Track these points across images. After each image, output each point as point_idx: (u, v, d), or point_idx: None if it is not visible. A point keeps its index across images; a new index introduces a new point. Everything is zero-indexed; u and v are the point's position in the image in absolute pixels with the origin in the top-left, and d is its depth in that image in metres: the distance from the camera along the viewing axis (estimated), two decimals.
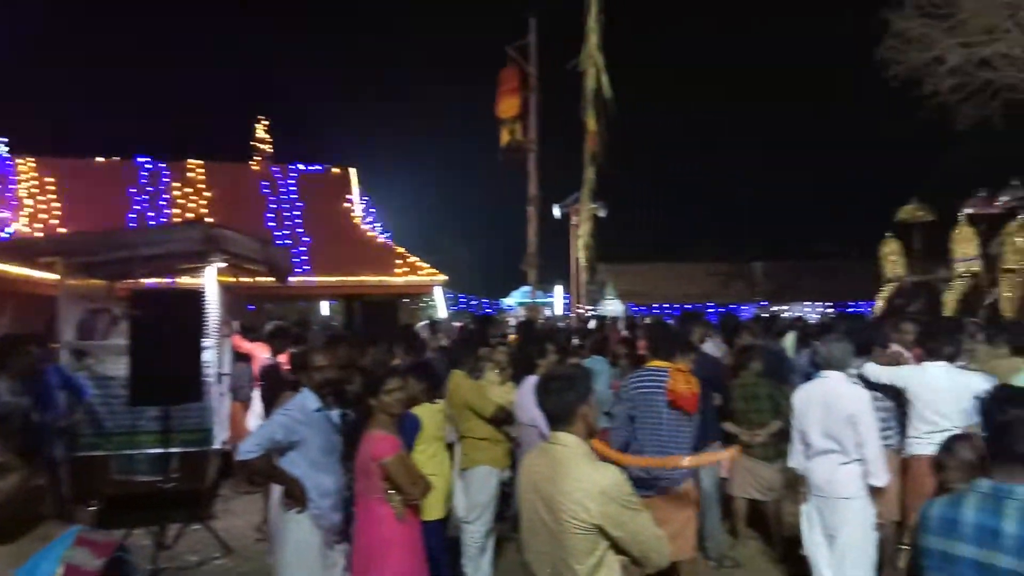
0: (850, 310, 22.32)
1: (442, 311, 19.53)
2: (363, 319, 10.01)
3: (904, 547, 2.98)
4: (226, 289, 9.07)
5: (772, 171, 29.20)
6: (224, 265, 7.72)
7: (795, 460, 4.70)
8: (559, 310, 26.86)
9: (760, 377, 6.16)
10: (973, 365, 5.62)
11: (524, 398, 4.92)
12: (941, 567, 2.28)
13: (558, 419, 2.76)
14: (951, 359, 5.11)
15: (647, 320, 12.52)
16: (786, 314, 19.63)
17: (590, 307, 20.51)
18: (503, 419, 5.14)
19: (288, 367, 5.43)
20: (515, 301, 27.62)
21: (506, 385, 5.33)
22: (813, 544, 4.50)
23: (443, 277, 17.91)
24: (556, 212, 18.59)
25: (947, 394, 4.80)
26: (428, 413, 4.67)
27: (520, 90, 13.83)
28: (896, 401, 5.25)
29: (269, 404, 5.40)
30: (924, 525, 2.36)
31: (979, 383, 4.71)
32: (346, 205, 20.05)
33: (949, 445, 2.83)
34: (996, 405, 2.32)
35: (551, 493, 2.60)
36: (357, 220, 19.62)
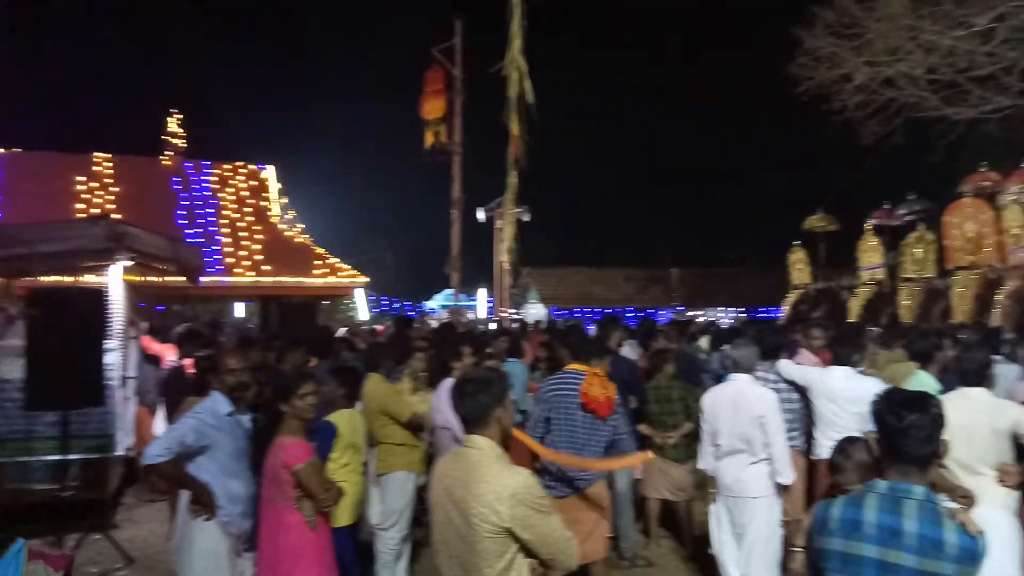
0: (761, 315, 23.20)
1: (363, 314, 19.26)
2: (280, 321, 9.76)
3: (796, 549, 3.06)
4: (133, 289, 8.70)
5: (689, 180, 30.05)
6: (130, 264, 7.39)
7: (705, 461, 4.84)
8: (482, 313, 26.88)
9: (673, 380, 6.32)
10: (871, 370, 5.91)
11: (440, 401, 4.90)
12: (844, 568, 2.30)
13: (472, 422, 2.75)
14: (855, 364, 5.36)
15: (570, 323, 12.67)
16: (701, 319, 20.25)
17: (513, 310, 20.63)
18: (418, 425, 5.11)
19: (193, 371, 5.24)
20: (438, 304, 27.50)
21: (418, 394, 5.27)
22: (721, 543, 4.65)
23: (364, 279, 17.65)
24: (480, 215, 18.60)
25: (847, 397, 5.04)
26: (346, 419, 4.58)
27: (445, 92, 13.78)
28: (803, 402, 5.49)
29: (172, 409, 5.21)
30: (824, 527, 2.38)
31: (877, 388, 4.96)
32: (263, 204, 19.52)
33: (844, 447, 2.93)
34: (890, 408, 2.40)
35: (463, 497, 2.59)
36: (275, 219, 19.13)
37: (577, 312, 24.02)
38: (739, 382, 4.68)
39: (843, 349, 5.26)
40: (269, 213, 19.29)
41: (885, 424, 2.38)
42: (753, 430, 4.48)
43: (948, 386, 4.61)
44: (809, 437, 5.38)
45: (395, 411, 5.00)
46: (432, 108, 13.67)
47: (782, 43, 18.66)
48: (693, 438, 5.73)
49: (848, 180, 21.45)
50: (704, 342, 9.76)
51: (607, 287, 28.27)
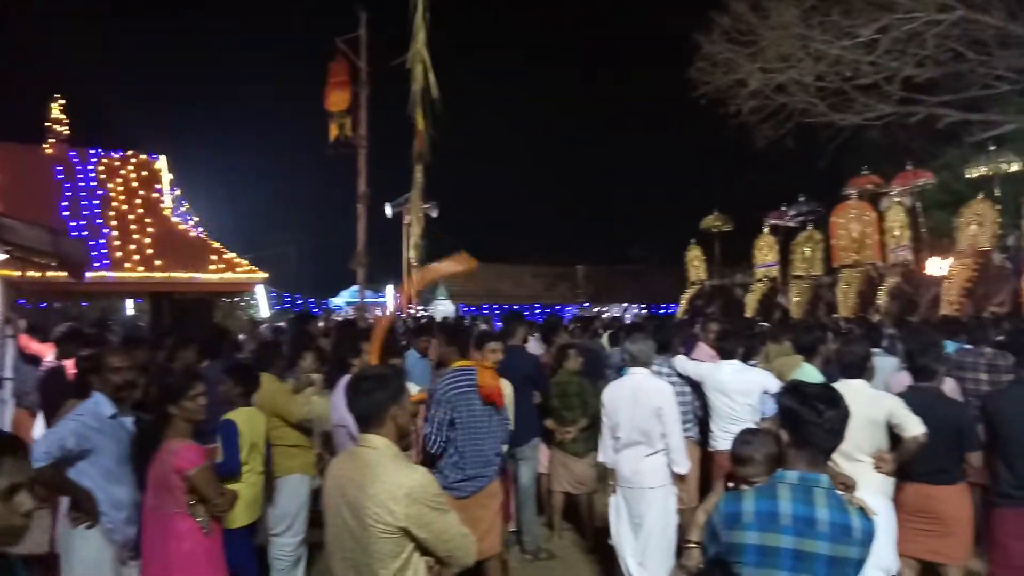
0: (662, 311, 23.92)
1: (264, 311, 18.66)
2: (172, 319, 9.31)
3: (691, 545, 3.10)
4: (11, 285, 8.09)
5: (595, 178, 30.63)
6: (6, 257, 6.87)
7: (604, 454, 4.92)
8: (390, 310, 26.54)
9: (574, 375, 6.41)
10: (762, 363, 6.17)
11: (336, 399, 4.79)
12: (761, 562, 2.30)
13: (367, 420, 2.69)
14: (746, 357, 5.59)
15: (450, 321, 12.72)
16: (606, 314, 20.68)
17: (421, 307, 20.46)
18: (308, 427, 4.99)
19: (74, 372, 4.93)
20: (344, 301, 26.97)
21: (304, 394, 5.11)
22: (619, 534, 4.75)
23: (263, 275, 17.08)
24: (388, 211, 18.35)
25: (738, 390, 5.24)
26: (244, 417, 4.41)
27: (350, 84, 13.49)
28: (695, 394, 5.69)
29: (50, 412, 4.89)
30: (737, 521, 2.35)
31: (765, 379, 5.19)
32: (154, 195, 18.59)
33: (749, 440, 2.99)
34: (805, 402, 2.43)
35: (356, 497, 2.54)
36: (167, 212, 18.25)
37: (485, 309, 24.09)
38: (638, 376, 4.79)
39: (728, 344, 5.47)
40: (161, 205, 18.39)
41: (798, 417, 2.41)
42: (651, 422, 4.59)
43: (831, 378, 4.85)
44: (704, 429, 5.57)
45: (284, 412, 4.86)
46: (336, 100, 13.34)
47: (683, 47, 19.32)
48: (594, 432, 5.83)
49: (743, 181, 22.38)
50: (607, 337, 9.96)
51: (515, 284, 28.47)
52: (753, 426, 3.29)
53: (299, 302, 23.75)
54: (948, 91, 17.39)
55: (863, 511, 2.36)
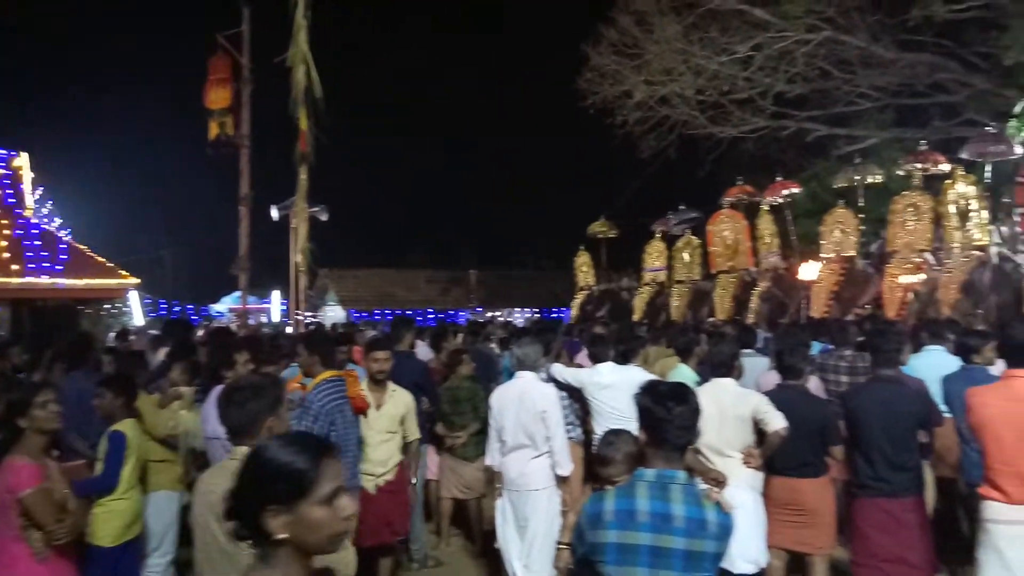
0: (553, 315, 24.31)
1: (138, 318, 17.63)
2: (33, 327, 8.64)
3: (562, 546, 3.17)
4: None
5: (488, 183, 30.84)
6: None
7: (491, 457, 4.93)
8: (276, 317, 25.70)
9: (466, 380, 6.40)
10: (641, 365, 6.35)
11: (208, 411, 4.57)
12: (620, 559, 2.34)
13: (241, 432, 2.59)
14: (625, 359, 5.74)
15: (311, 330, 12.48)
16: (499, 319, 20.82)
17: (310, 313, 19.89)
18: (173, 442, 4.75)
19: None
20: (225, 307, 25.84)
21: (170, 408, 4.86)
22: (505, 537, 4.77)
23: (135, 280, 16.12)
24: (274, 213, 17.74)
25: (618, 392, 5.37)
26: (130, 428, 4.20)
27: (232, 81, 12.98)
28: (575, 397, 5.80)
29: None
30: (599, 521, 2.39)
31: (643, 377, 5.34)
32: (13, 195, 17.19)
33: (611, 440, 3.07)
34: (656, 400, 2.53)
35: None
36: (28, 213, 16.93)
37: (377, 314, 23.72)
38: (524, 379, 4.83)
39: (598, 349, 5.62)
40: (20, 206, 17.03)
41: (651, 415, 2.50)
42: (536, 425, 4.64)
43: (706, 377, 5.06)
44: (587, 429, 5.68)
45: (149, 426, 4.60)
46: (217, 97, 12.80)
47: (573, 57, 19.76)
48: (485, 436, 5.84)
49: (630, 189, 23.08)
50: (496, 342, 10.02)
51: (408, 289, 28.21)
52: (621, 427, 3.38)
53: (176, 309, 22.56)
54: (816, 107, 18.58)
55: (720, 506, 2.45)
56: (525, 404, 4.68)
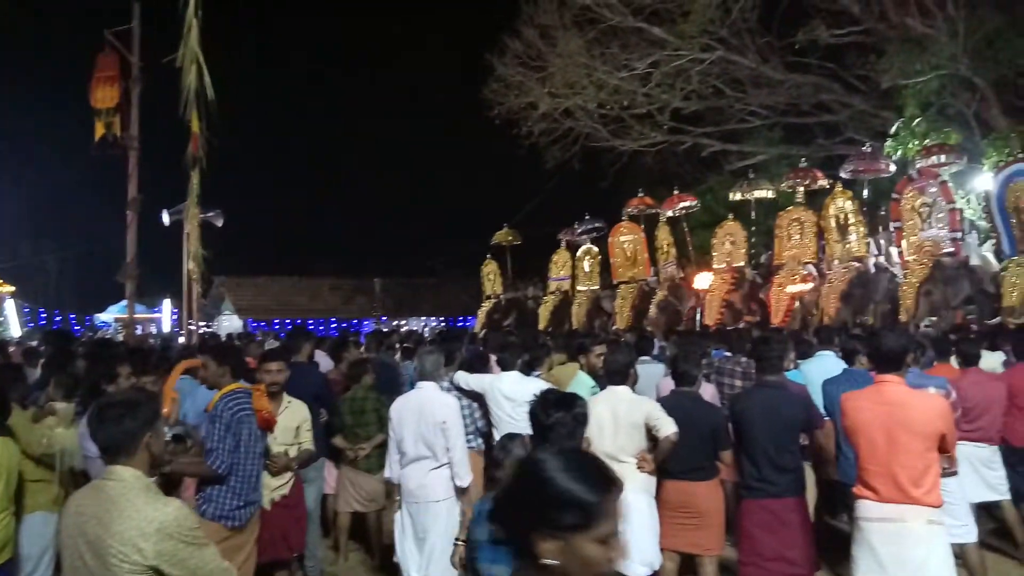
0: (460, 324, 24.29)
1: (15, 328, 16.47)
2: None
3: (458, 543, 3.22)
4: None
5: (394, 189, 30.47)
6: None
7: (391, 469, 4.88)
8: (167, 327, 24.54)
9: (370, 391, 6.29)
10: (544, 373, 6.43)
11: (87, 427, 4.31)
12: (493, 558, 2.43)
13: (115, 451, 2.47)
14: (529, 368, 5.80)
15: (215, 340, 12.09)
16: (405, 328, 20.62)
17: (204, 323, 19.11)
18: (49, 461, 4.46)
19: None
20: (111, 317, 24.44)
21: (45, 424, 4.57)
22: (404, 550, 4.72)
23: (9, 288, 15.06)
24: (165, 218, 16.95)
25: (518, 401, 5.41)
26: (1, 448, 3.87)
27: (120, 80, 12.34)
28: (477, 404, 5.82)
29: None
30: (480, 518, 2.55)
31: (542, 389, 5.41)
32: None
33: (504, 444, 3.16)
34: (542, 407, 2.70)
35: (98, 536, 2.31)
36: None
37: (277, 324, 23.02)
38: (425, 389, 4.81)
39: (506, 356, 5.66)
40: None
41: (537, 421, 2.67)
42: (436, 436, 4.62)
43: (603, 385, 5.16)
44: (489, 439, 5.69)
45: (24, 443, 4.30)
46: (104, 96, 12.11)
47: (480, 66, 19.89)
48: (385, 448, 5.76)
49: (535, 198, 23.38)
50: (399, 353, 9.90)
51: (311, 297, 27.54)
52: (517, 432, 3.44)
53: (58, 318, 21.18)
54: (710, 123, 19.39)
55: None
56: (425, 415, 4.65)
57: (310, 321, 22.39)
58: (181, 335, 17.78)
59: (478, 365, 6.11)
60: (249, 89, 28.00)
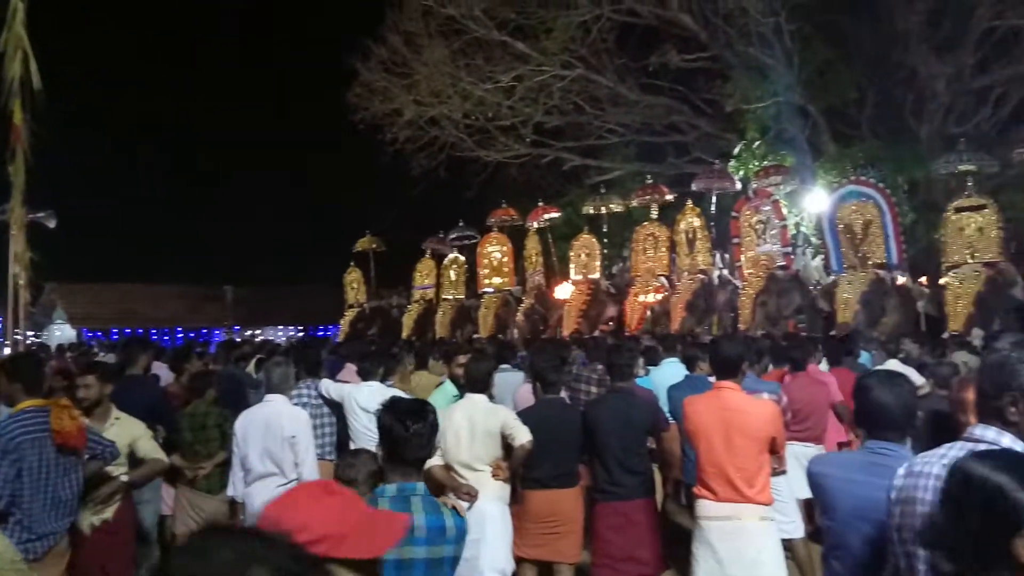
0: (321, 333, 23.58)
1: None
2: None
3: None
4: None
5: (248, 192, 29.06)
6: None
7: (234, 488, 4.64)
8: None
9: (212, 405, 5.92)
10: (400, 384, 6.33)
11: None
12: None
13: None
14: (384, 377, 5.68)
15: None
16: (259, 338, 19.76)
17: (32, 332, 17.41)
18: None
19: None
20: None
21: None
22: None
23: None
24: None
25: (374, 413, 5.30)
26: None
27: None
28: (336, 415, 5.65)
29: None
30: None
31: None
32: None
33: (351, 461, 3.06)
34: (396, 418, 2.58)
35: None
36: None
37: (115, 334, 21.37)
38: (273, 403, 4.61)
39: (368, 365, 5.54)
40: None
41: (391, 432, 2.56)
42: (284, 451, 4.44)
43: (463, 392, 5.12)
44: (343, 450, 5.53)
45: None
46: None
47: (342, 71, 19.47)
48: (228, 466, 5.45)
49: (401, 205, 23.16)
50: (253, 364, 9.44)
51: (154, 305, 25.76)
52: (365, 447, 3.34)
53: None
54: (571, 138, 19.98)
55: (456, 510, 2.56)
56: (272, 429, 4.45)
57: (153, 331, 20.98)
58: (6, 346, 16.10)
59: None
60: (91, 81, 25.87)
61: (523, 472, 4.68)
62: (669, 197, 14.57)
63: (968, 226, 11.16)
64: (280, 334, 23.77)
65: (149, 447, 4.58)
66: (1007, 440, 1.96)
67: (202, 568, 1.06)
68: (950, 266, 11.21)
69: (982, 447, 1.96)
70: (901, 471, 2.16)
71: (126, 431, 4.50)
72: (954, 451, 2.04)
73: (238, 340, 15.97)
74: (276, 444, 4.44)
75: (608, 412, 4.63)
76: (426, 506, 2.45)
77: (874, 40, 16.44)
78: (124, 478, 4.44)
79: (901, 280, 11.82)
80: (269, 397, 4.65)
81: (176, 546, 1.02)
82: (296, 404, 5.35)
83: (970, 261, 11.00)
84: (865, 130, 16.89)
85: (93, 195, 24.43)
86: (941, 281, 11.21)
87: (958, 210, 11.31)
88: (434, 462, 4.45)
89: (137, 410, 4.89)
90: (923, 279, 12.50)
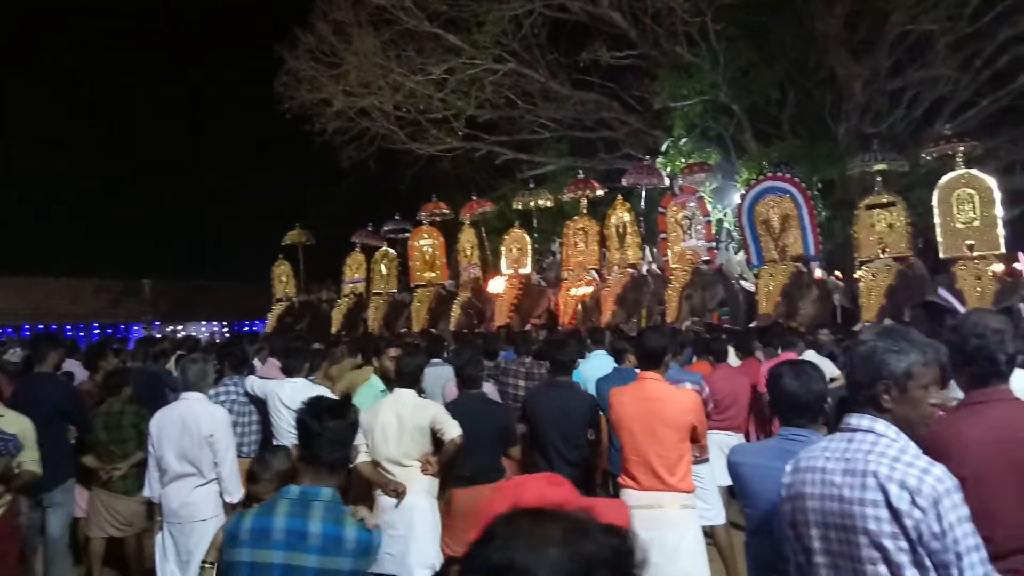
0: (247, 329, 22.98)
1: None
2: None
3: (206, 565, 2.99)
4: None
5: (169, 184, 27.94)
6: None
7: (150, 489, 4.50)
8: None
9: (128, 404, 5.71)
10: (321, 378, 6.23)
11: None
12: None
13: None
14: (309, 373, 5.58)
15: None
16: (182, 334, 19.12)
17: None
18: None
19: None
20: None
21: None
22: (167, 573, 4.36)
23: None
24: None
25: (296, 408, 5.21)
26: None
27: None
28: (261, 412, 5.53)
29: None
30: (235, 540, 2.34)
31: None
32: None
33: (264, 458, 2.99)
34: (313, 415, 2.53)
35: None
36: None
37: (27, 329, 20.31)
38: (190, 401, 4.47)
39: (292, 361, 5.44)
40: None
41: (307, 430, 2.49)
42: (201, 450, 4.33)
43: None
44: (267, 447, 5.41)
45: None
46: None
47: (268, 59, 18.95)
48: (145, 467, 5.27)
49: (331, 198, 22.73)
50: (174, 361, 9.14)
51: (70, 300, 24.60)
52: (283, 443, 3.27)
53: None
54: (504, 132, 19.97)
55: (363, 523, 2.46)
56: (189, 428, 4.32)
57: (68, 327, 20.04)
58: None
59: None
60: (8, 67, 24.51)
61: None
62: (600, 192, 14.77)
63: (879, 222, 11.66)
64: (204, 330, 23.03)
65: (29, 456, 4.26)
66: (881, 427, 2.04)
67: (533, 546, 1.04)
68: (863, 261, 11.69)
69: (859, 437, 2.05)
70: (788, 468, 2.22)
71: (12, 425, 4.24)
72: (835, 442, 2.12)
73: (158, 336, 15.45)
74: (193, 443, 4.32)
75: (548, 404, 4.67)
76: (326, 514, 2.36)
77: (795, 42, 16.99)
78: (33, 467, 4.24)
79: (818, 273, 12.27)
80: (185, 395, 4.52)
81: (490, 529, 1.00)
82: (221, 402, 5.23)
83: (881, 256, 11.49)
84: (786, 129, 17.44)
85: (8, 186, 23.16)
86: (856, 275, 11.67)
87: (869, 207, 11.80)
88: (361, 459, 4.41)
89: (46, 409, 4.72)
90: (838, 273, 13.00)
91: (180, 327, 22.42)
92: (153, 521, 5.12)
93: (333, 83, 18.36)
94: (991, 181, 11.05)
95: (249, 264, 22.87)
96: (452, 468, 4.97)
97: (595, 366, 6.50)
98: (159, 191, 27.66)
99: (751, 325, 10.98)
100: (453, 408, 4.66)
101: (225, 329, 23.72)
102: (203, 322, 24.70)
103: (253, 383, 5.57)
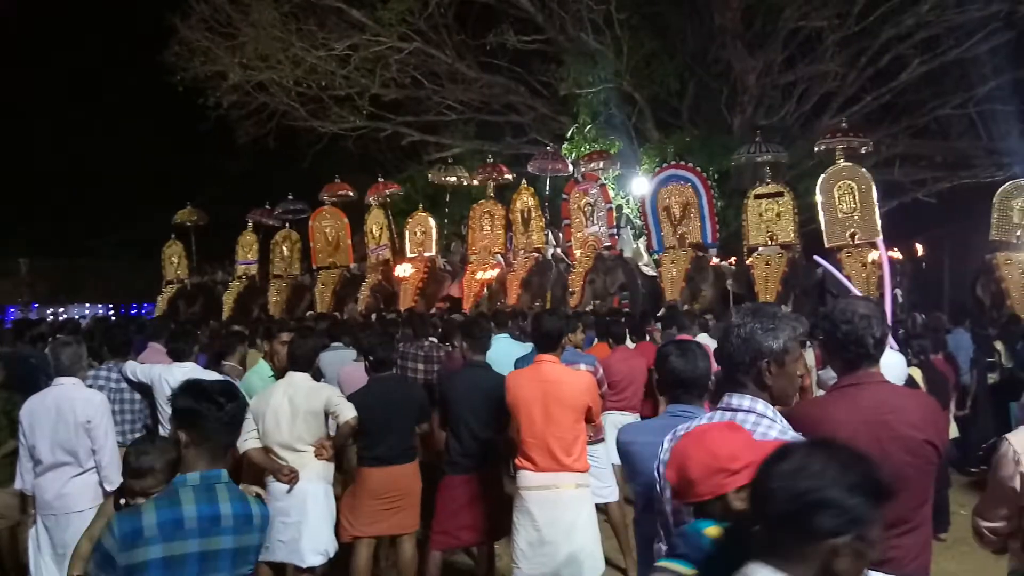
0: (134, 311, 21.84)
1: None
2: None
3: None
4: None
5: (48, 158, 25.90)
6: None
7: (22, 480, 4.24)
8: None
9: (0, 391, 5.34)
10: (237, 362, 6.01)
11: None
12: (165, 575, 2.21)
13: None
14: (223, 357, 5.38)
15: None
16: (63, 316, 18.00)
17: None
18: None
19: None
20: None
21: None
22: (39, 568, 4.13)
23: None
24: None
25: None
26: None
27: None
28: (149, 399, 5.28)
29: None
30: (138, 539, 2.19)
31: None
32: None
33: (146, 450, 2.82)
34: (200, 397, 2.38)
35: None
36: None
37: None
38: (63, 386, 4.21)
39: (179, 345, 5.23)
40: None
41: (197, 414, 2.36)
42: (78, 438, 4.10)
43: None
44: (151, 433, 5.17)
45: None
46: None
47: (159, 28, 17.88)
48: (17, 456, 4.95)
49: (226, 175, 21.81)
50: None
51: None
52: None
53: None
54: (410, 113, 19.63)
55: (260, 498, 2.51)
56: (64, 415, 4.08)
57: None
58: None
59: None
60: None
61: (362, 451, 4.61)
62: (508, 176, 14.80)
63: (767, 211, 12.24)
64: (87, 312, 21.68)
65: None
66: (760, 406, 2.14)
67: (812, 473, 1.44)
68: (751, 248, 12.24)
69: (740, 416, 2.13)
70: (666, 443, 2.29)
71: None
72: (716, 419, 2.20)
73: (35, 319, 14.49)
74: (69, 431, 4.07)
75: (463, 385, 4.63)
76: (231, 495, 2.35)
77: (695, 34, 17.49)
78: None
79: (714, 260, 12.76)
80: (59, 380, 4.23)
81: (770, 464, 1.49)
82: (99, 387, 4.95)
83: (769, 244, 12.07)
84: (686, 119, 17.96)
85: None
86: (748, 262, 12.20)
87: (758, 196, 12.36)
88: (252, 444, 4.29)
89: None
90: (732, 259, 13.55)
91: (61, 309, 21.07)
92: (27, 514, 4.84)
93: (229, 55, 17.54)
94: (867, 174, 11.80)
95: (139, 243, 21.68)
96: (347, 450, 4.91)
97: (497, 349, 6.52)
98: (40, 164, 25.73)
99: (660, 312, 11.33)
100: (366, 392, 4.60)
101: (111, 311, 22.41)
102: (87, 304, 23.30)
103: (135, 368, 5.29)
